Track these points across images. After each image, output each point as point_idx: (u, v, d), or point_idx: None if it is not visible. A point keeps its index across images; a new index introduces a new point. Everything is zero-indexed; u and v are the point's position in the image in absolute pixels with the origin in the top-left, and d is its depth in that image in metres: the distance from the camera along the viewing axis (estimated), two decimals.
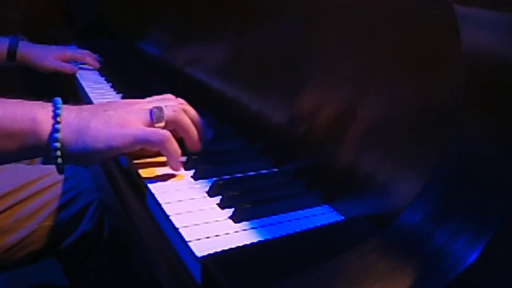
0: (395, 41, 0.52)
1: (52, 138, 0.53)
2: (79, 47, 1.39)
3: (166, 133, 0.56)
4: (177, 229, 0.49)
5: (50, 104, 0.55)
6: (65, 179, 0.84)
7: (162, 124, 0.58)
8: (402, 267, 0.39)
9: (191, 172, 0.62)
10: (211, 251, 0.44)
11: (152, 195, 0.55)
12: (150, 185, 0.57)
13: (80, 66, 1.23)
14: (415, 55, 0.50)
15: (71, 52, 1.24)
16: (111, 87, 1.08)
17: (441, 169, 0.43)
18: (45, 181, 0.82)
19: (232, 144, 0.73)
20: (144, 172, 0.60)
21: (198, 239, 0.47)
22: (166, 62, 1.13)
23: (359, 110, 0.55)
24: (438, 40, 0.47)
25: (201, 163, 0.62)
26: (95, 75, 1.19)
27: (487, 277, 0.39)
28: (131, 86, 1.04)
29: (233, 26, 0.85)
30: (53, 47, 1.25)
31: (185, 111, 0.61)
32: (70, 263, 0.87)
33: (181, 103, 0.62)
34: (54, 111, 0.54)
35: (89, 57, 1.25)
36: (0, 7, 1.63)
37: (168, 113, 0.59)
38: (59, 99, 0.56)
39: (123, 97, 0.97)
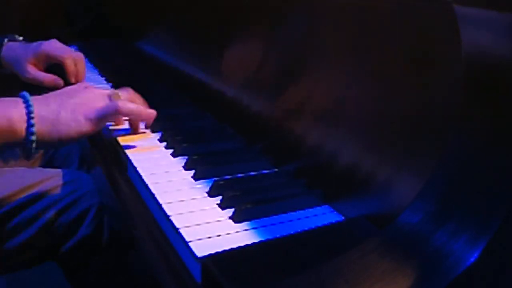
0: (395, 41, 0.52)
1: (29, 132, 0.59)
2: (79, 47, 1.38)
3: (118, 103, 0.66)
4: (178, 229, 0.49)
5: (20, 100, 0.61)
6: (65, 183, 0.84)
7: (119, 101, 0.68)
8: (402, 267, 0.39)
9: (191, 172, 0.62)
10: (212, 251, 0.44)
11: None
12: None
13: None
14: (415, 55, 0.50)
15: (45, 51, 0.98)
16: (111, 87, 1.08)
17: (441, 169, 0.43)
18: (45, 185, 0.82)
19: (232, 144, 0.73)
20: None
21: (199, 239, 0.47)
22: (166, 62, 1.13)
23: (359, 110, 0.55)
24: (438, 40, 0.47)
25: (201, 163, 0.62)
26: (95, 75, 1.19)
27: (487, 277, 0.39)
28: (131, 87, 1.04)
29: (233, 26, 0.85)
30: (32, 46, 0.99)
31: (136, 94, 0.73)
32: (71, 267, 0.87)
33: (131, 92, 0.73)
34: (26, 108, 0.60)
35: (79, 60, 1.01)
36: (0, 7, 1.62)
37: (123, 93, 0.70)
38: (27, 94, 0.62)
39: None
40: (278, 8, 0.72)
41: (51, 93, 0.66)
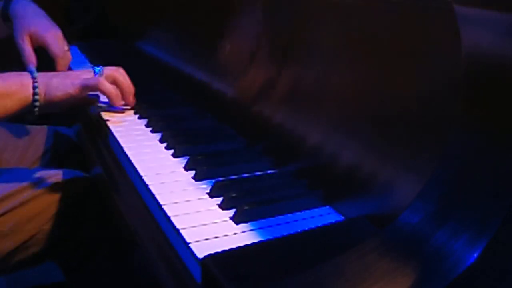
0: (395, 41, 0.52)
1: (34, 91, 0.78)
2: (79, 47, 1.38)
3: (99, 78, 0.81)
4: (178, 230, 0.49)
5: (26, 73, 0.80)
6: (65, 183, 0.84)
7: (102, 77, 0.82)
8: (402, 267, 0.39)
9: (192, 173, 0.62)
10: (212, 252, 0.44)
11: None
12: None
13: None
14: (415, 55, 0.50)
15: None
16: None
17: (441, 169, 0.43)
18: (45, 184, 0.82)
19: (233, 144, 0.73)
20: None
21: (199, 240, 0.47)
22: (166, 62, 1.13)
23: (359, 111, 0.55)
24: (438, 40, 0.48)
25: (202, 164, 0.63)
26: None
27: (487, 277, 0.39)
28: None
29: (233, 26, 0.85)
30: (34, 21, 0.98)
31: (122, 74, 0.85)
32: (70, 266, 0.87)
33: (121, 71, 0.86)
34: (32, 77, 0.79)
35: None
36: None
37: (106, 71, 0.84)
38: (34, 69, 0.81)
39: None
40: (279, 8, 0.72)
41: (54, 72, 0.85)
